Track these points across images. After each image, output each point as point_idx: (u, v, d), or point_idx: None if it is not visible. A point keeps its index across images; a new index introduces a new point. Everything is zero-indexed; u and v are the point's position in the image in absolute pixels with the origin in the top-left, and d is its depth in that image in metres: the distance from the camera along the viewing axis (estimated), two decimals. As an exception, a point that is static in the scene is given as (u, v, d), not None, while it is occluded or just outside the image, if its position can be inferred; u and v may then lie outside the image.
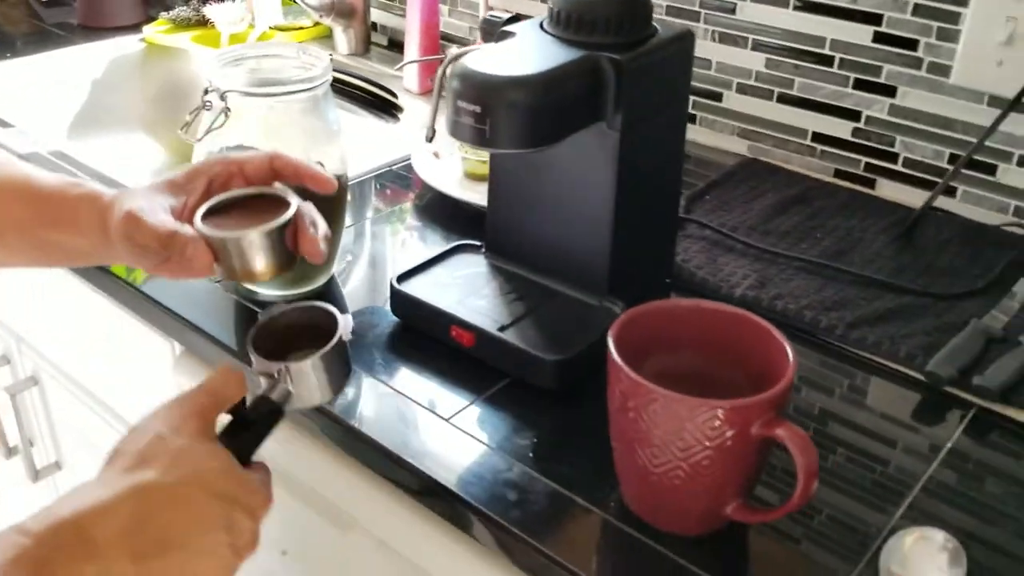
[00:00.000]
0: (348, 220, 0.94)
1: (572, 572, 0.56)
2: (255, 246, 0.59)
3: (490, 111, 0.63)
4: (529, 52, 0.67)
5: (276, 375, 0.60)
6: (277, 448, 0.64)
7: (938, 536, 0.54)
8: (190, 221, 0.61)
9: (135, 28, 1.43)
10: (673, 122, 0.76)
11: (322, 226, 0.63)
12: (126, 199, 0.60)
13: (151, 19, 1.44)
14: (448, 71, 0.66)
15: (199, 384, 0.58)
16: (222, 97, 0.73)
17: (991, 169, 0.94)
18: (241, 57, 0.77)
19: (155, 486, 0.51)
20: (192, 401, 0.57)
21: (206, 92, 0.73)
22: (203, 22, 1.38)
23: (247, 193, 0.63)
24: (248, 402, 0.60)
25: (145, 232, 0.58)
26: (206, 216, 0.61)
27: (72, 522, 0.48)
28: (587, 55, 0.67)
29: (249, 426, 0.59)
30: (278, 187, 0.64)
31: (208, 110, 0.73)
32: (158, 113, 1.33)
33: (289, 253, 0.62)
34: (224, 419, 0.59)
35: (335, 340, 0.61)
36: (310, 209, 0.63)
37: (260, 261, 0.60)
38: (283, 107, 0.75)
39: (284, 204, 0.62)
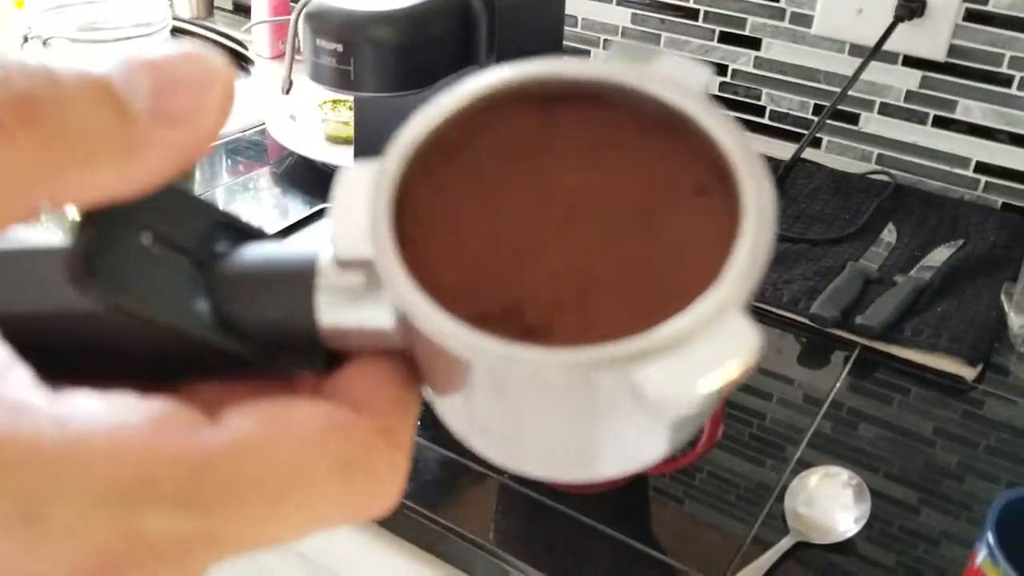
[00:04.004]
0: (197, 189, 0.86)
1: (470, 540, 0.52)
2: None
3: (353, 49, 0.58)
4: (393, -11, 0.62)
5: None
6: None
7: (842, 474, 0.53)
8: None
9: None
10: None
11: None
12: None
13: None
14: (304, 12, 0.60)
15: None
16: (44, 44, 0.64)
17: (854, 119, 0.95)
18: (65, 3, 0.68)
19: None
20: None
21: (26, 40, 0.64)
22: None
23: None
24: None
25: None
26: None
27: None
28: (456, -9, 0.62)
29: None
30: None
31: (28, 60, 0.65)
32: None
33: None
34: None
35: None
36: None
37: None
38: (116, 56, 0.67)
39: None
